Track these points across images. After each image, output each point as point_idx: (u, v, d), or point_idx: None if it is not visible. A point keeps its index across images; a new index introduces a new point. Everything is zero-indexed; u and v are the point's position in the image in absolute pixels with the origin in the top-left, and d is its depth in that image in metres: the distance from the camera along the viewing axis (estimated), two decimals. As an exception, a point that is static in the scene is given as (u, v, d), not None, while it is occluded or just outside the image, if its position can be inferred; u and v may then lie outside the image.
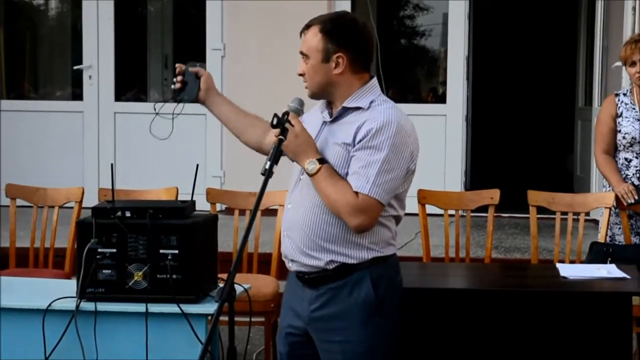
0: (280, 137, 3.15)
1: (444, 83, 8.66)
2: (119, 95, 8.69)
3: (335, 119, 3.27)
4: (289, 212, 3.31)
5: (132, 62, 9.20)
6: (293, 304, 3.35)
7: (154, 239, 3.58)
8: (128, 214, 3.62)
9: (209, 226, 3.79)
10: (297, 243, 3.25)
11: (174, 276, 3.56)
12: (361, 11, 8.36)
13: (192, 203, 3.78)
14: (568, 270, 4.28)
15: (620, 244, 5.16)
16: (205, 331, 3.55)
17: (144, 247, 3.59)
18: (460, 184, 8.18)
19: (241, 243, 3.07)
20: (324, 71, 3.23)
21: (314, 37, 3.22)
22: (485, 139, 11.41)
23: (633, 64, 5.17)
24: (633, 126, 5.19)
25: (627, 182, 5.18)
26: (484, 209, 5.31)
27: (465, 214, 5.40)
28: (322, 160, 3.17)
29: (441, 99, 9.03)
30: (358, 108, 3.22)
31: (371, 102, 3.22)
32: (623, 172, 5.24)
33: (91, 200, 4.58)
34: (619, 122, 5.24)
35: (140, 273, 3.59)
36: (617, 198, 5.12)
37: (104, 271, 3.61)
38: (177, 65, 3.61)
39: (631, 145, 5.21)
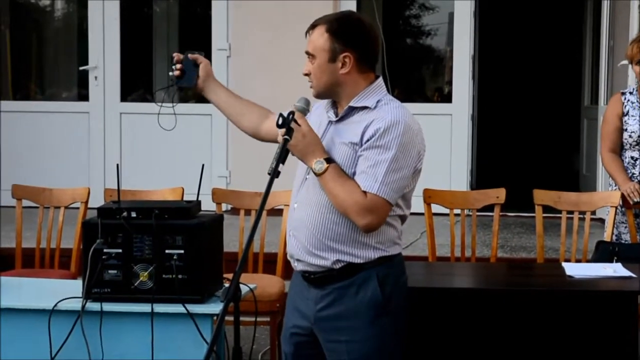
0: (286, 136, 3.15)
1: (450, 82, 8.65)
2: (125, 96, 8.71)
3: (341, 119, 3.27)
4: (295, 212, 3.31)
5: (138, 62, 9.21)
6: (298, 304, 3.35)
7: (160, 239, 3.58)
8: (134, 214, 3.62)
9: (215, 226, 3.78)
10: (304, 242, 3.25)
11: (180, 276, 3.56)
12: (367, 11, 8.36)
13: (198, 203, 3.78)
14: (574, 270, 4.27)
15: (626, 242, 5.15)
16: (210, 331, 3.54)
17: (150, 248, 3.58)
18: (466, 183, 8.17)
19: (247, 243, 3.07)
20: (330, 71, 3.23)
21: (321, 37, 3.22)
22: (491, 138, 11.40)
23: (639, 62, 5.16)
24: (639, 125, 5.18)
25: (633, 180, 5.18)
26: (489, 208, 5.31)
27: (471, 213, 5.40)
28: (330, 160, 3.17)
29: (447, 98, 9.03)
30: (365, 107, 3.22)
31: (378, 101, 3.23)
32: (629, 171, 5.23)
33: (97, 200, 4.58)
34: (625, 121, 5.23)
35: (146, 273, 3.59)
36: (623, 197, 5.11)
37: (109, 271, 3.61)
38: (174, 54, 3.64)
39: (637, 144, 5.20)
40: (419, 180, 3.30)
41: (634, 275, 4.16)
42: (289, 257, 3.36)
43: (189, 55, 3.64)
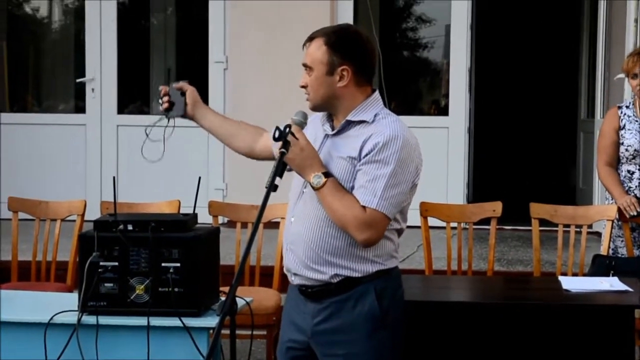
0: (282, 150, 3.15)
1: (447, 95, 8.65)
2: (122, 108, 8.70)
3: (338, 132, 3.27)
4: (292, 226, 3.30)
5: (134, 74, 9.21)
6: (294, 318, 3.35)
7: (156, 252, 3.57)
8: (130, 227, 3.62)
9: (211, 239, 3.78)
10: (301, 257, 3.24)
11: (176, 289, 3.56)
12: (364, 23, 8.37)
13: (194, 216, 3.78)
14: (570, 283, 4.27)
15: (622, 256, 5.15)
16: (206, 345, 3.54)
17: (146, 260, 3.58)
18: (462, 197, 8.17)
19: (243, 256, 3.06)
20: (328, 84, 3.23)
21: (318, 50, 3.22)
22: (487, 151, 11.41)
23: (635, 76, 5.18)
24: (636, 138, 5.19)
25: (629, 194, 5.18)
26: (486, 221, 5.31)
27: (467, 227, 5.40)
28: (328, 174, 3.16)
29: (444, 111, 9.03)
30: (362, 121, 3.22)
31: (375, 115, 3.23)
32: (626, 185, 5.24)
33: (93, 213, 4.58)
34: (621, 135, 5.24)
35: (142, 286, 3.59)
36: (619, 210, 5.11)
37: (105, 284, 3.60)
38: (160, 87, 3.65)
39: (634, 158, 5.21)
40: (415, 194, 3.30)
41: (630, 289, 4.16)
42: (285, 271, 3.35)
43: (174, 85, 3.63)
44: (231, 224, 5.55)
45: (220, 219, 5.33)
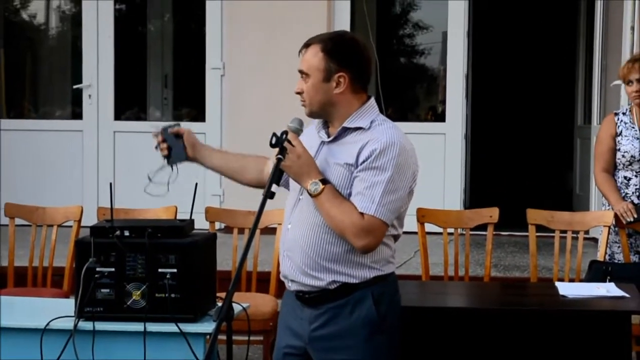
0: (279, 156, 3.15)
1: (443, 101, 8.66)
2: (119, 114, 8.70)
3: (334, 139, 3.27)
4: (289, 233, 3.30)
5: (131, 81, 9.22)
6: (291, 324, 3.34)
7: (153, 258, 3.57)
8: (127, 233, 3.62)
9: (208, 245, 3.78)
10: (298, 263, 3.24)
11: (173, 295, 3.55)
12: (361, 30, 8.38)
13: (191, 222, 3.78)
14: (567, 289, 4.27)
15: (619, 262, 5.15)
16: (203, 350, 3.53)
17: (143, 266, 3.58)
18: (459, 203, 8.17)
19: (240, 262, 3.06)
20: (324, 90, 3.23)
21: (315, 56, 3.22)
22: (484, 157, 11.41)
23: (630, 82, 5.19)
24: (632, 145, 5.19)
25: (626, 200, 5.18)
26: (483, 227, 5.31)
27: (464, 233, 5.40)
28: (325, 181, 3.17)
29: (440, 117, 9.04)
30: (359, 128, 3.23)
31: (372, 121, 3.23)
32: (622, 191, 5.24)
33: (90, 219, 4.58)
34: (618, 141, 5.24)
35: (139, 292, 3.59)
36: (616, 216, 5.11)
37: (102, 290, 3.60)
38: (154, 135, 3.59)
39: (630, 164, 5.21)
40: (412, 199, 3.30)
41: (627, 295, 4.16)
42: (282, 278, 3.35)
43: (169, 130, 3.58)
44: (228, 229, 5.54)
45: (217, 225, 5.32)
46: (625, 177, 5.25)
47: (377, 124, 3.23)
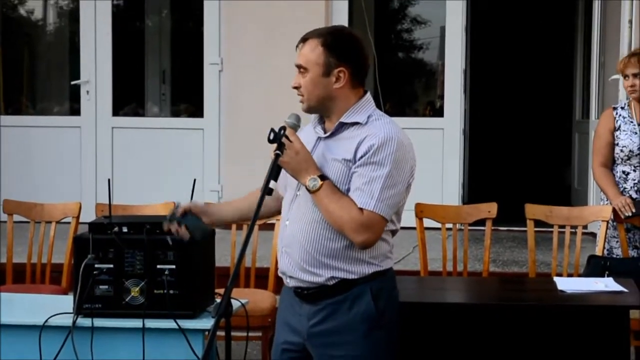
0: (277, 152, 3.14)
1: (442, 96, 8.65)
2: (117, 110, 8.70)
3: (331, 135, 3.26)
4: (286, 229, 3.29)
5: (129, 76, 9.21)
6: (289, 320, 3.34)
7: (151, 255, 3.57)
8: (125, 229, 3.62)
9: (206, 241, 3.78)
10: (297, 259, 3.24)
11: (171, 291, 3.55)
12: (359, 25, 8.37)
13: (190, 218, 3.77)
14: (566, 284, 4.27)
15: (617, 257, 5.15)
16: (202, 347, 3.54)
17: (141, 263, 3.58)
18: (457, 198, 8.17)
19: (238, 258, 3.06)
20: (324, 85, 3.22)
21: (314, 51, 3.21)
22: (482, 152, 11.41)
23: (627, 77, 5.20)
24: (631, 139, 5.19)
25: (624, 195, 5.18)
26: (481, 222, 5.31)
27: (462, 228, 5.40)
28: (323, 177, 3.16)
29: (439, 112, 9.03)
30: (356, 123, 3.22)
31: (369, 116, 3.22)
32: (621, 185, 5.24)
33: (88, 215, 4.58)
34: (617, 136, 5.24)
35: (137, 288, 3.59)
36: (614, 211, 5.12)
37: (100, 287, 3.60)
38: (165, 228, 3.47)
39: (629, 158, 5.21)
40: (410, 195, 3.30)
41: (625, 290, 4.16)
42: (280, 274, 3.34)
43: (176, 214, 3.44)
44: (226, 225, 5.54)
45: (216, 221, 5.31)
46: (623, 172, 5.25)
47: (374, 119, 3.22)
